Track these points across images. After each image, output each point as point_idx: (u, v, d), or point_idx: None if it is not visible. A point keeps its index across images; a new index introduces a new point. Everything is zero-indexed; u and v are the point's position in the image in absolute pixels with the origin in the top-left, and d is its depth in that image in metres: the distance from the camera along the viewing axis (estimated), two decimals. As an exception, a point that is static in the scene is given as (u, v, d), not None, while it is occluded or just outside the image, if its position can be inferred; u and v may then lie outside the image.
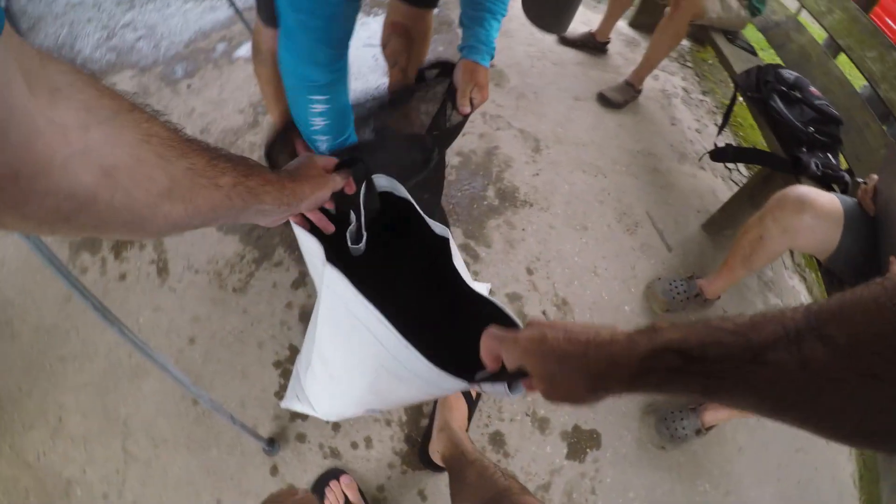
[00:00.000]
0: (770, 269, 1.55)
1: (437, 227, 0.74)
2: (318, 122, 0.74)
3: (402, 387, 0.69)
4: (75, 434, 1.13)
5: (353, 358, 0.70)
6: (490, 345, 0.49)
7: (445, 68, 1.00)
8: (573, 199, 1.40)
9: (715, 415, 1.15)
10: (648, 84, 1.80)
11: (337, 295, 0.62)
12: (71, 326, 1.24)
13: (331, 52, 0.69)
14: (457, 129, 1.03)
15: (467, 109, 0.93)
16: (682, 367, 0.35)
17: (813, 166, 1.28)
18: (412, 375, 0.61)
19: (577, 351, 0.40)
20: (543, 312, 1.29)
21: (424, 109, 1.12)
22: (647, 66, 1.78)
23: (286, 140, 0.83)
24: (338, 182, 0.63)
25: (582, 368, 0.39)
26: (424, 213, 0.72)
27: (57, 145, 0.27)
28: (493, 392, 0.56)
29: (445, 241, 0.74)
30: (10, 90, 0.25)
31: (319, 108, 0.72)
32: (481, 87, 0.93)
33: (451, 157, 1.45)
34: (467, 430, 1.11)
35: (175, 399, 1.14)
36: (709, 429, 1.17)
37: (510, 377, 0.49)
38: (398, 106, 1.13)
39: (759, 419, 1.17)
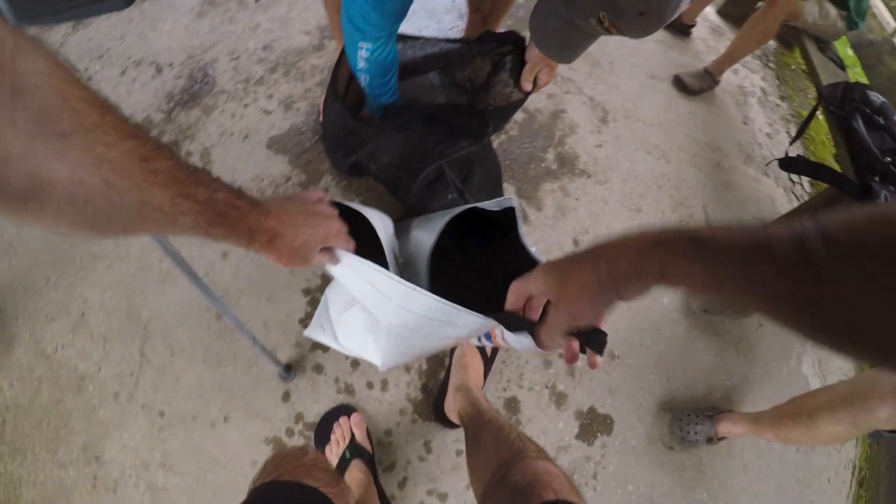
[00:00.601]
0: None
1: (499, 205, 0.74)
2: (362, 64, 0.81)
3: (415, 337, 0.68)
4: (95, 331, 1.13)
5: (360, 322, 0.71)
6: (514, 285, 0.50)
7: (515, 42, 0.93)
8: (631, 179, 1.34)
9: (730, 427, 1.12)
10: (727, 77, 1.69)
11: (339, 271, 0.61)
12: (106, 224, 1.22)
13: (383, 20, 0.74)
14: (513, 108, 0.97)
15: (529, 87, 0.87)
16: (690, 251, 0.36)
17: (883, 197, 1.20)
18: (423, 319, 0.60)
19: (589, 246, 0.43)
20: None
21: (477, 75, 1.05)
22: (729, 59, 1.67)
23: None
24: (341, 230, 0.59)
25: (591, 255, 0.42)
26: (482, 189, 0.73)
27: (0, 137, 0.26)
28: (510, 337, 0.56)
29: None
30: None
31: (365, 54, 0.79)
32: (552, 66, 0.87)
33: (517, 113, 1.37)
34: (482, 389, 1.09)
35: (199, 311, 1.12)
36: (720, 440, 1.14)
37: (527, 323, 0.50)
38: (458, 60, 1.06)
39: (770, 443, 1.15)
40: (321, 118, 1.22)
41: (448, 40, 1.03)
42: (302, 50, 1.44)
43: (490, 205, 0.76)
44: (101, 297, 1.16)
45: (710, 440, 1.14)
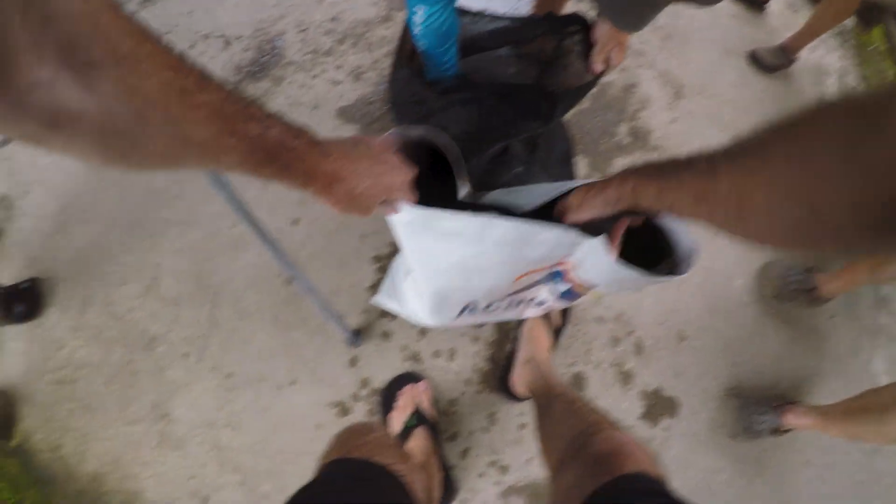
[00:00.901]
0: (890, 285, 1.40)
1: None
2: (417, 30, 0.80)
3: (484, 276, 0.67)
4: (167, 295, 1.16)
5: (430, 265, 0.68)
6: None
7: (581, 23, 0.89)
8: (705, 157, 1.28)
9: (796, 419, 1.07)
10: (804, 55, 1.59)
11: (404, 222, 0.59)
12: (179, 192, 1.25)
13: None
14: (584, 90, 0.92)
15: (600, 68, 0.82)
16: (652, 175, 0.46)
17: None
18: (499, 248, 0.60)
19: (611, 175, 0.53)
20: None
21: (543, 52, 1.01)
22: (807, 36, 1.57)
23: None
24: (406, 182, 0.54)
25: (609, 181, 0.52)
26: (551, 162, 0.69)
27: (25, 63, 0.24)
28: (586, 264, 0.60)
29: None
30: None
31: (419, 19, 0.78)
32: (623, 47, 0.82)
33: None
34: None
35: (268, 276, 1.14)
36: (785, 431, 1.10)
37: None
38: (524, 37, 1.02)
39: (833, 441, 1.11)
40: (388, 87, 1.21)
41: (513, 18, 1.00)
42: (369, 21, 1.43)
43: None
44: (173, 262, 1.19)
45: (775, 431, 1.10)
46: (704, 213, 0.40)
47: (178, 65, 0.32)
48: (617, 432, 0.59)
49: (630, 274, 0.59)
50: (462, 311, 0.86)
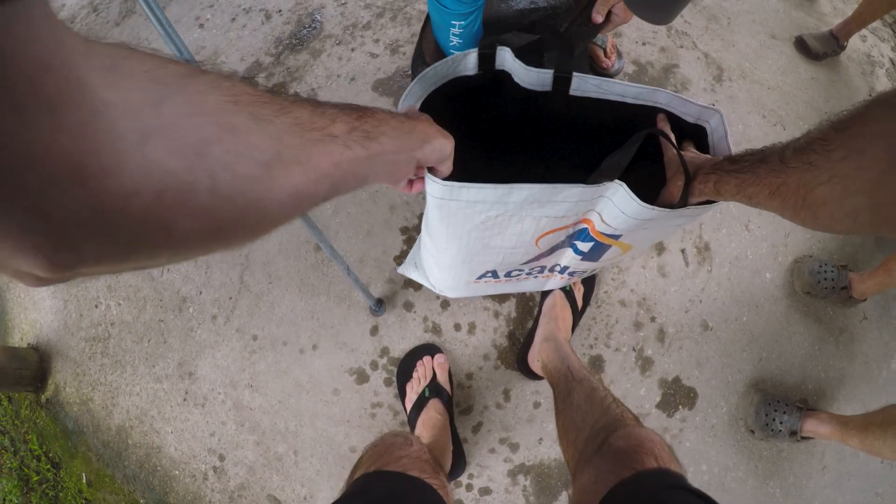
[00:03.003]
0: (927, 290, 1.34)
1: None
2: (455, 41, 0.81)
3: (505, 235, 0.67)
4: (200, 258, 1.19)
5: (447, 231, 0.68)
6: None
7: None
8: (744, 143, 1.24)
9: (816, 427, 1.04)
10: (854, 43, 1.52)
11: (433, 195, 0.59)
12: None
13: None
14: (583, 37, 0.88)
15: (599, 18, 0.78)
16: (728, 168, 0.52)
17: None
18: (523, 206, 0.60)
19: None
20: (682, 251, 1.18)
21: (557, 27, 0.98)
22: (857, 23, 1.49)
23: None
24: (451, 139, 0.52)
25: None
26: None
27: (124, 127, 0.19)
28: (615, 216, 0.60)
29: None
30: (62, 51, 0.17)
31: (457, 31, 0.79)
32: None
33: (627, 65, 1.30)
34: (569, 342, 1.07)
35: (298, 242, 1.16)
36: (804, 438, 1.06)
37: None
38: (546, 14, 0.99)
39: (854, 451, 1.07)
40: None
41: None
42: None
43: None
44: (207, 226, 1.21)
45: (793, 434, 1.07)
46: (777, 205, 0.45)
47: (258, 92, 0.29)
48: (639, 428, 0.58)
49: (656, 213, 0.58)
50: (482, 276, 0.85)
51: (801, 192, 0.41)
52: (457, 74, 0.65)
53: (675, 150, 0.60)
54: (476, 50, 0.64)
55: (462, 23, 0.78)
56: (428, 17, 0.99)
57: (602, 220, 0.65)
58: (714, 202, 0.59)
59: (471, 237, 0.68)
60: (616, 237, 0.68)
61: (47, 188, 0.17)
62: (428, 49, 1.01)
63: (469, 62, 0.64)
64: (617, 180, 0.57)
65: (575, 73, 0.66)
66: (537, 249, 0.75)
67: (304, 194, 0.30)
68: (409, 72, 1.27)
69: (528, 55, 0.69)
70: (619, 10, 0.79)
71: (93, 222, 0.19)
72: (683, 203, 0.58)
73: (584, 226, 0.69)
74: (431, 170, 0.53)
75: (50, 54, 0.16)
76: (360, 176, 0.36)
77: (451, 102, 0.63)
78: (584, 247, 0.75)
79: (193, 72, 0.24)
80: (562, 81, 0.67)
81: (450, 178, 0.55)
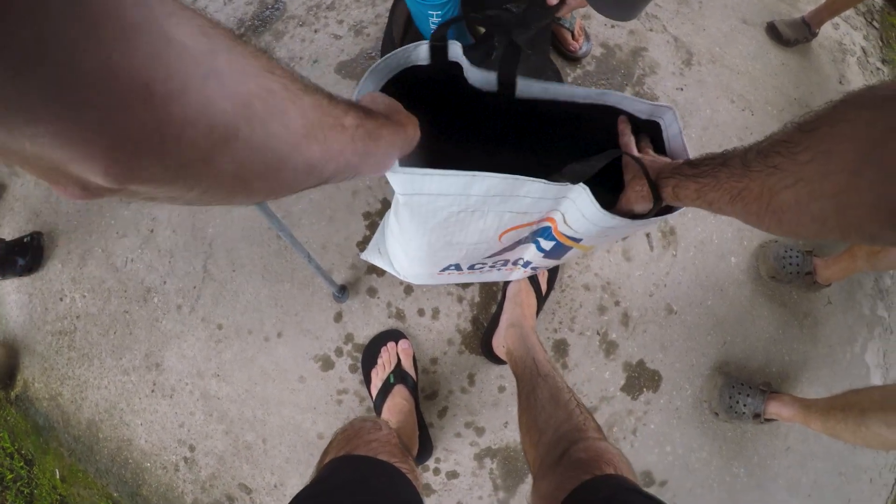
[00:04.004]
0: (891, 276, 1.37)
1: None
2: (435, 28, 0.77)
3: (468, 231, 0.67)
4: (163, 247, 1.17)
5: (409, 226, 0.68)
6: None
7: None
8: (711, 127, 1.24)
9: (779, 409, 1.06)
10: (826, 30, 1.52)
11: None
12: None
13: None
14: (537, 18, 0.88)
15: (553, 1, 0.77)
16: (688, 173, 0.51)
17: None
18: (485, 200, 0.59)
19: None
20: (647, 235, 1.18)
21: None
22: (830, 10, 1.49)
23: None
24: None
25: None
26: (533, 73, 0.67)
27: (189, 61, 0.21)
28: (574, 215, 0.61)
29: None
30: None
31: (436, 20, 0.80)
32: None
33: (595, 48, 1.29)
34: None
35: (261, 229, 1.14)
36: (767, 420, 1.08)
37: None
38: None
39: (817, 434, 1.10)
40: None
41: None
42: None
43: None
44: (169, 214, 1.19)
45: (756, 416, 1.09)
46: (740, 210, 0.43)
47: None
48: (601, 441, 0.59)
49: (617, 222, 0.58)
50: (445, 269, 0.85)
51: (764, 196, 0.40)
52: (409, 64, 0.64)
53: (637, 165, 0.59)
54: (427, 42, 0.63)
55: (439, 12, 0.78)
56: (394, 6, 0.97)
57: (565, 222, 0.65)
58: (674, 209, 0.59)
59: (433, 235, 0.68)
60: (577, 240, 0.68)
61: (117, 105, 0.18)
62: (398, 33, 0.99)
63: (421, 53, 0.64)
64: (581, 184, 0.57)
65: (519, 77, 0.65)
66: (500, 244, 0.74)
67: (315, 169, 0.32)
68: (374, 55, 1.26)
69: (480, 48, 0.68)
70: None
71: (151, 142, 0.20)
72: (648, 213, 0.58)
73: (548, 224, 0.69)
74: None
75: None
76: (354, 167, 0.39)
77: (409, 90, 0.61)
78: (547, 245, 0.75)
79: (238, 39, 0.26)
80: (506, 85, 0.66)
81: (410, 163, 0.54)
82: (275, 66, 0.28)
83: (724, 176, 0.45)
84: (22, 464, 1.18)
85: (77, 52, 0.16)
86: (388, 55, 0.61)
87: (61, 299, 1.18)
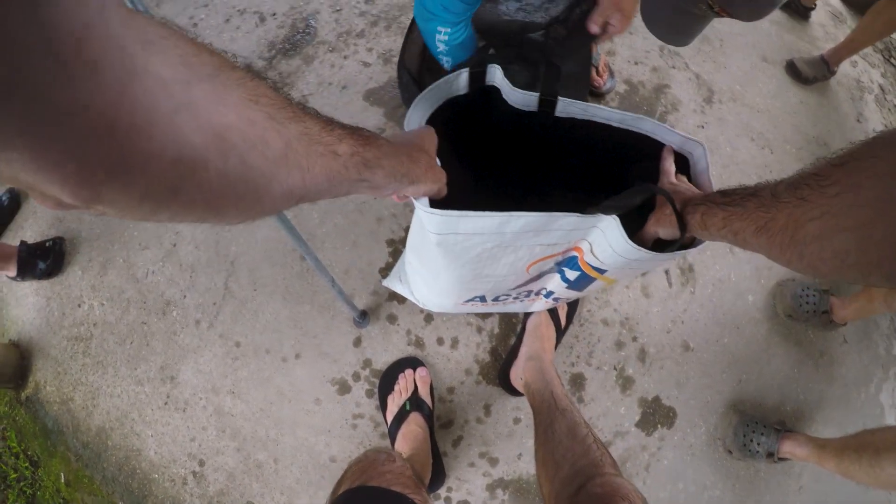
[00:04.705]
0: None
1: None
2: (442, 48, 0.80)
3: (499, 265, 0.67)
4: (185, 262, 1.18)
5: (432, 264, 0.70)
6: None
7: None
8: (731, 165, 1.25)
9: (793, 448, 1.05)
10: (844, 68, 1.54)
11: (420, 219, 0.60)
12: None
13: (463, 5, 0.73)
14: (576, 46, 0.89)
15: (595, 29, 0.79)
16: (718, 200, 0.51)
17: None
18: (518, 236, 0.60)
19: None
20: (666, 272, 1.19)
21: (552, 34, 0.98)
22: (848, 48, 1.51)
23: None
24: (443, 179, 0.56)
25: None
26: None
27: (158, 95, 0.22)
28: (603, 248, 0.61)
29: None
30: (105, 15, 0.19)
31: (443, 38, 0.79)
32: (626, 15, 0.80)
33: (619, 84, 1.31)
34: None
35: (284, 250, 1.16)
36: (781, 459, 1.08)
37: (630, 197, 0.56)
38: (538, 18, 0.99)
39: (830, 474, 1.09)
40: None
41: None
42: (404, 5, 1.42)
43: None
44: (193, 230, 1.21)
45: (770, 455, 1.08)
46: (764, 241, 0.43)
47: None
48: (617, 478, 0.60)
49: (643, 255, 0.59)
50: (470, 300, 0.86)
51: (790, 228, 0.40)
52: (451, 95, 0.66)
53: (671, 207, 0.59)
54: (467, 70, 0.65)
55: (448, 30, 0.79)
56: (410, 27, 0.99)
57: (592, 252, 0.66)
58: (697, 243, 0.60)
59: (464, 269, 0.68)
60: (602, 271, 0.69)
61: (83, 137, 0.19)
62: (410, 57, 1.01)
63: (461, 82, 0.66)
64: (613, 215, 0.58)
65: (560, 98, 0.67)
66: (527, 276, 0.75)
67: (295, 194, 0.33)
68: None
69: (517, 66, 0.70)
70: (615, 21, 0.80)
71: (115, 171, 0.21)
72: (674, 242, 0.59)
73: (575, 253, 0.70)
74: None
75: (92, 17, 0.18)
76: (346, 191, 0.40)
77: (445, 126, 0.63)
78: (572, 275, 0.75)
79: (224, 66, 0.27)
80: (547, 104, 0.68)
81: (445, 204, 0.55)
82: (263, 93, 0.29)
83: (752, 206, 0.45)
84: (27, 464, 1.19)
85: (46, 88, 0.17)
86: (433, 85, 0.63)
87: (79, 305, 1.19)
